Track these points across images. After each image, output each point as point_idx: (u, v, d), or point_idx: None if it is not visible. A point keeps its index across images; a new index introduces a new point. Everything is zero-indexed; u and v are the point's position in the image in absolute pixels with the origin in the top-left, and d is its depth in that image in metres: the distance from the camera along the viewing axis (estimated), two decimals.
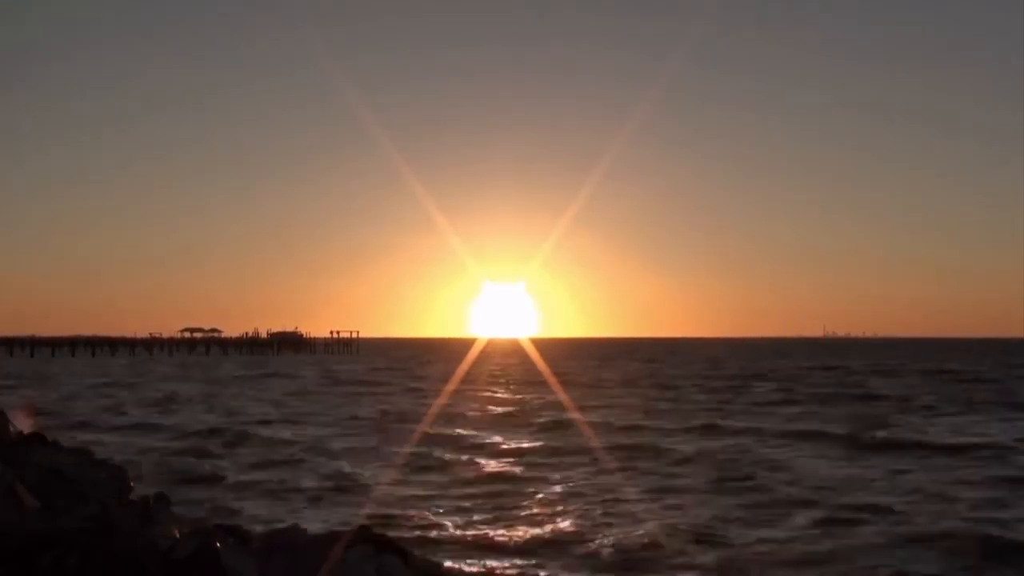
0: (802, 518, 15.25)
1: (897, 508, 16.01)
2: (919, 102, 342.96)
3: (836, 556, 12.82)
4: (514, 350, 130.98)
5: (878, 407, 38.01)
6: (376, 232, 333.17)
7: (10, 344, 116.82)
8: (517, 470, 21.14)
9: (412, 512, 15.72)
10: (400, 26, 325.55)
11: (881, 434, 27.27)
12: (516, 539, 13.94)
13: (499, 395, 46.55)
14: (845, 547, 13.29)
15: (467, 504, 16.73)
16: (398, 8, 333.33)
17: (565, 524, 14.89)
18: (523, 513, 15.98)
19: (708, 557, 12.68)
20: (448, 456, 23.09)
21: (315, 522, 13.59)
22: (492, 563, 12.50)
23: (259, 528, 9.65)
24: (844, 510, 15.84)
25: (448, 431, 29.07)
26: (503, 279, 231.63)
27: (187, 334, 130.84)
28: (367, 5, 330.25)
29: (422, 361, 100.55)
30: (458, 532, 14.37)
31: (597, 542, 13.56)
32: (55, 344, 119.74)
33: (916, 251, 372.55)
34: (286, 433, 28.29)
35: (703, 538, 13.67)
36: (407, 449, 23.96)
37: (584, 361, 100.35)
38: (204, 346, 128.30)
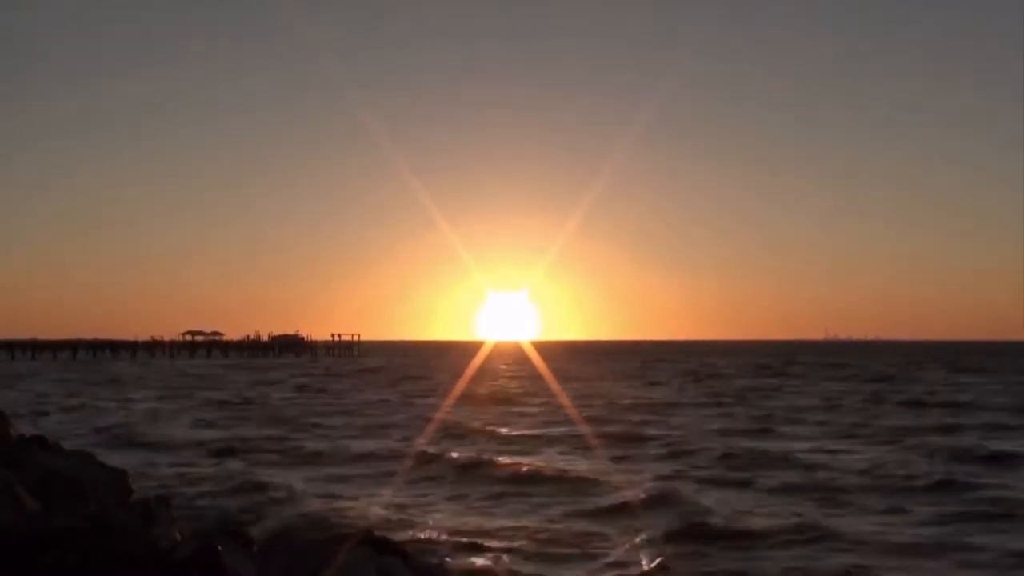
0: None
1: None
2: (920, 103, 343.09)
3: None
4: (520, 355, 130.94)
5: None
6: (379, 236, 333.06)
7: (11, 347, 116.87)
8: None
9: None
10: (403, 27, 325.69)
11: None
12: None
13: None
14: None
15: None
16: (402, 10, 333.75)
17: None
18: None
19: None
20: None
21: None
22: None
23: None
24: None
25: None
26: (507, 284, 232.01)
27: (189, 337, 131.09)
28: (371, 6, 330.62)
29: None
30: None
31: None
32: (56, 347, 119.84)
33: (919, 253, 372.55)
34: None
35: None
36: None
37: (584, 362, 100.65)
38: (205, 349, 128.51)
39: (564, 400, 40.28)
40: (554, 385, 49.92)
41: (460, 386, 49.96)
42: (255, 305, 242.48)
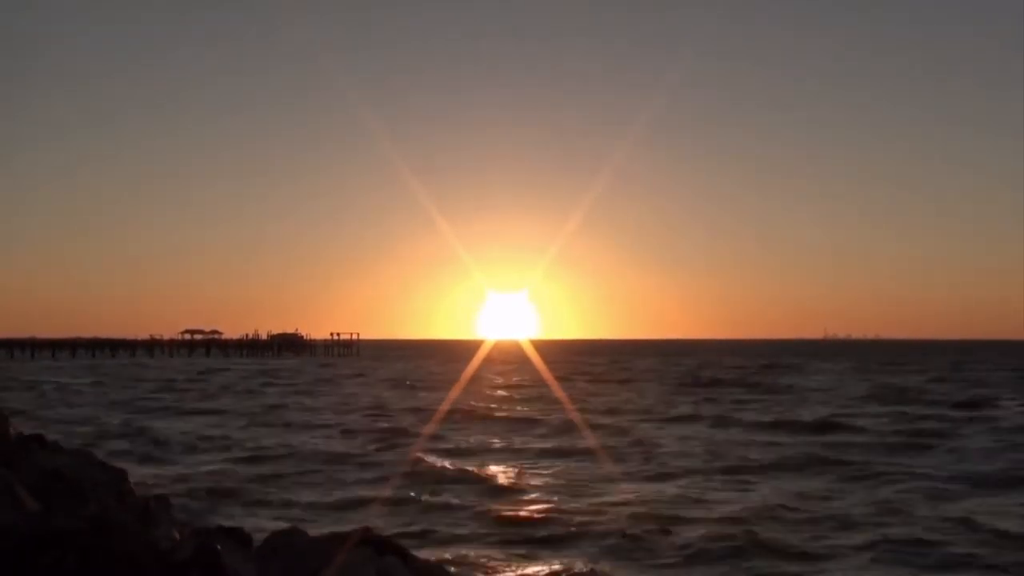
0: None
1: None
2: (919, 103, 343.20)
3: None
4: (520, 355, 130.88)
5: None
6: (379, 236, 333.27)
7: (10, 346, 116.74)
8: None
9: None
10: (403, 27, 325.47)
11: None
12: None
13: None
14: None
15: None
16: (402, 9, 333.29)
17: None
18: None
19: None
20: None
21: None
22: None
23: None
24: None
25: None
26: (506, 284, 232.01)
27: (187, 335, 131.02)
28: (371, 6, 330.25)
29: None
30: None
31: None
32: (55, 346, 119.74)
33: (919, 253, 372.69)
34: None
35: None
36: None
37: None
38: (204, 348, 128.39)
39: None
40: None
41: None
42: (254, 304, 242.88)
